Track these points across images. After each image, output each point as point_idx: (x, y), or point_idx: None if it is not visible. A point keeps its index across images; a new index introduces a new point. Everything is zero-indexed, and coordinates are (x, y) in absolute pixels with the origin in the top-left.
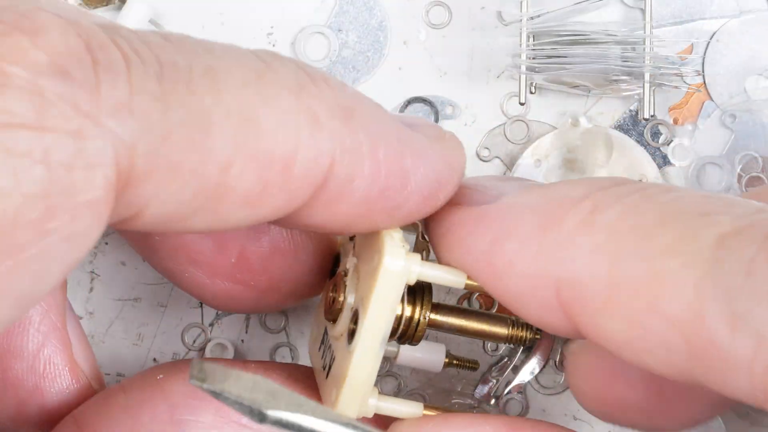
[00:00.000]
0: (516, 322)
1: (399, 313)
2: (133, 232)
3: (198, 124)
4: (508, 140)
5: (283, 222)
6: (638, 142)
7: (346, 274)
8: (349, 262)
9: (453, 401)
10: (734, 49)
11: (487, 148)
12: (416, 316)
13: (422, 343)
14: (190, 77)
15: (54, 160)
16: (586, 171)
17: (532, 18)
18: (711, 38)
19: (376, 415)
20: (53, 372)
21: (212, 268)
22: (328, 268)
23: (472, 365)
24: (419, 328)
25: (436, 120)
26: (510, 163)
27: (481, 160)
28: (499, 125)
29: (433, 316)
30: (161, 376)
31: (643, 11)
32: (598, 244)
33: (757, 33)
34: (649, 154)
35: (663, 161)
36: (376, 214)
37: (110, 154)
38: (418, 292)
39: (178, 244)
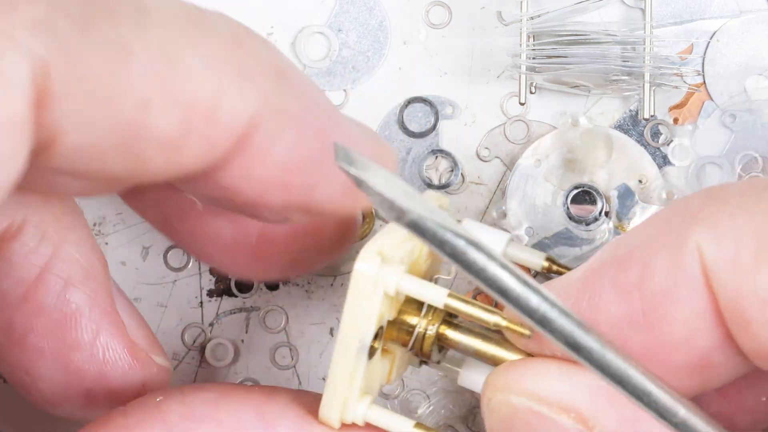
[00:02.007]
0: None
1: (412, 322)
2: (146, 206)
3: (116, 52)
4: (508, 140)
5: (200, 181)
6: (638, 142)
7: None
8: None
9: (453, 401)
10: (734, 49)
11: (487, 148)
12: (422, 329)
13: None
14: (115, 9)
15: None
16: (586, 171)
17: (532, 18)
18: (711, 38)
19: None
20: (113, 357)
21: (234, 249)
22: (350, 234)
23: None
24: (425, 342)
25: (436, 120)
26: (510, 163)
27: (481, 160)
28: (499, 125)
29: (446, 331)
30: (160, 398)
31: (643, 11)
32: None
33: (757, 33)
34: (649, 154)
35: (663, 161)
36: (291, 188)
37: (27, 70)
38: (431, 306)
39: (198, 229)
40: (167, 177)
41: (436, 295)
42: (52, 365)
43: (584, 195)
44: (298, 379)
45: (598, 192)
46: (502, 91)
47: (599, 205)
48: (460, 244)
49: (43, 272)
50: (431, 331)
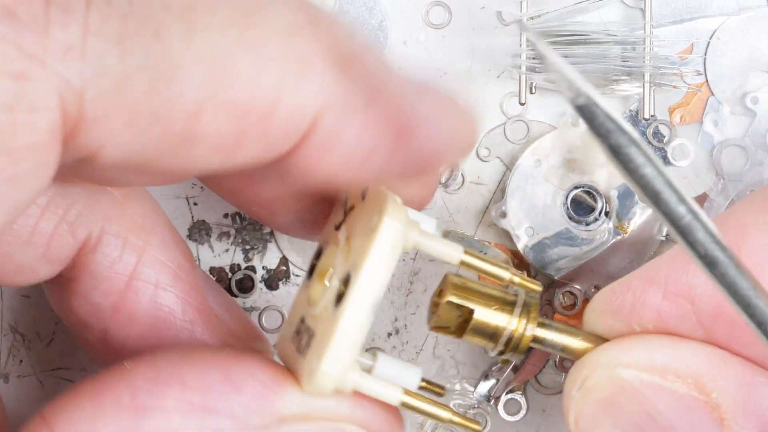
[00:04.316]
0: None
1: (504, 325)
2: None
3: (161, 70)
4: (508, 140)
5: (265, 171)
6: None
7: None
8: (339, 235)
9: (453, 401)
10: (735, 46)
11: (487, 148)
12: (520, 329)
13: (399, 363)
14: (161, 18)
15: None
16: (586, 171)
17: (532, 18)
18: (711, 36)
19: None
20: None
21: None
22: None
23: (438, 390)
24: (523, 341)
25: None
26: (510, 163)
27: (481, 160)
28: (499, 125)
29: (538, 331)
30: (129, 363)
31: (643, 11)
32: None
33: (757, 30)
34: None
35: (663, 161)
36: (364, 173)
37: (55, 97)
38: (525, 307)
39: None
40: (225, 172)
41: (453, 253)
42: None
43: (584, 195)
44: None
45: (598, 192)
46: (502, 91)
47: (599, 205)
48: (624, 139)
49: (130, 280)
50: (530, 332)
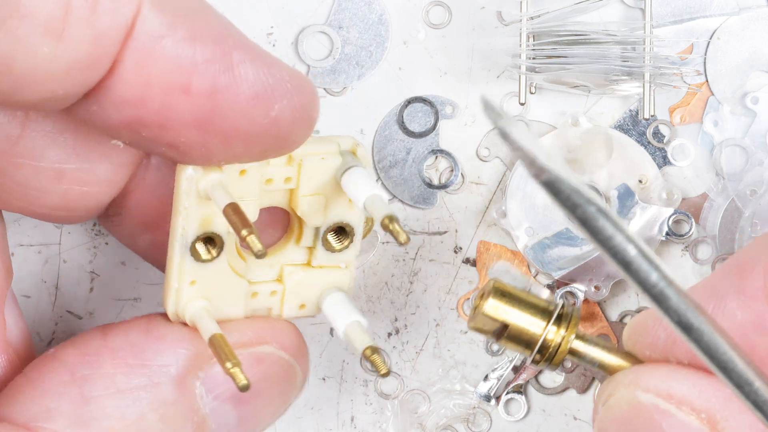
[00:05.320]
0: None
1: (541, 334)
2: None
3: None
4: None
5: (101, 99)
6: (638, 142)
7: None
8: None
9: (453, 401)
10: (735, 46)
11: (487, 148)
12: (557, 340)
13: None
14: None
15: None
16: (586, 171)
17: (532, 18)
18: (711, 36)
19: None
20: None
21: None
22: None
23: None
24: (559, 351)
25: (436, 120)
26: (510, 164)
27: (481, 160)
28: None
29: (576, 344)
30: (53, 350)
31: (643, 11)
32: None
33: (757, 30)
34: (649, 154)
35: (663, 161)
36: (192, 91)
37: None
38: (564, 319)
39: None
40: (58, 75)
41: (223, 200)
42: None
43: None
44: None
45: (598, 192)
46: (502, 91)
47: None
48: (591, 210)
49: None
50: (567, 344)
